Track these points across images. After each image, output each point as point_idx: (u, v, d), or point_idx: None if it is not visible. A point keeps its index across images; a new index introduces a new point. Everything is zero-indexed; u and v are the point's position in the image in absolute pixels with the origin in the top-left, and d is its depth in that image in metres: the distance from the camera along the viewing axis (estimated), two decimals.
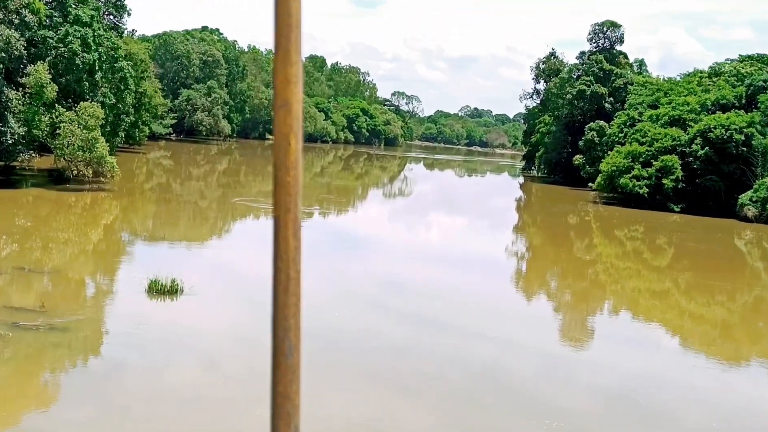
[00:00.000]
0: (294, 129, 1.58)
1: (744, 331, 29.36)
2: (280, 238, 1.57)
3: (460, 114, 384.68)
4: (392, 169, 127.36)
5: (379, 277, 32.39)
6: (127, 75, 64.41)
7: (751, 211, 67.96)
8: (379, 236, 46.80)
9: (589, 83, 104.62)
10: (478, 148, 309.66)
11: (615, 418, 17.87)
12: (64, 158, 52.05)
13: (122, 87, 63.84)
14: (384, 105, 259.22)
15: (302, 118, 1.62)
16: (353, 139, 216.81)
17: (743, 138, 72.19)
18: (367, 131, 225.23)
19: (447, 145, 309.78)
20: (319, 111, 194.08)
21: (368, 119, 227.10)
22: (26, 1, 52.12)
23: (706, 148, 73.54)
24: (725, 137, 72.38)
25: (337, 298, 27.37)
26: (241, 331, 22.10)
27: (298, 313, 1.57)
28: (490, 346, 22.55)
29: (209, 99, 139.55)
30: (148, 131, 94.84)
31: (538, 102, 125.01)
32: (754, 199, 68.74)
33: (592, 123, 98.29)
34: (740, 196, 70.03)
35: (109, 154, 53.70)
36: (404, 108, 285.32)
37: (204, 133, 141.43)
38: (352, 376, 19.05)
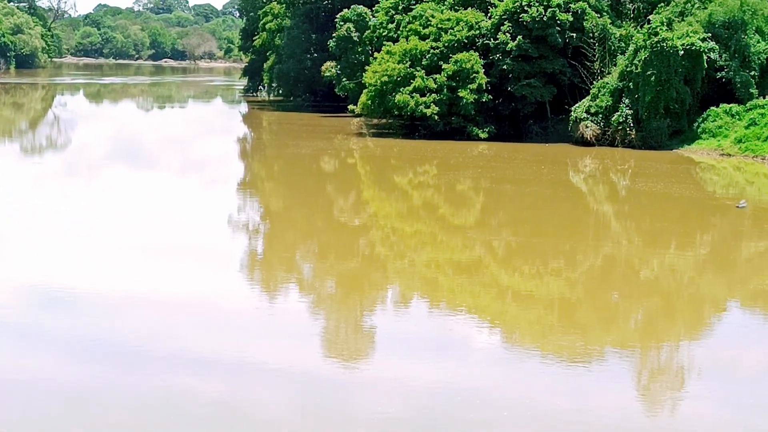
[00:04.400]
0: None
1: (592, 312, 21.54)
2: None
3: (137, 9, 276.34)
4: (32, 108, 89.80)
5: (26, 288, 20.88)
6: None
7: (590, 129, 50.97)
8: (23, 221, 29.50)
9: None
10: (172, 62, 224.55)
11: None
12: None
13: None
14: (9, 2, 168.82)
15: None
16: None
17: (571, 19, 53.64)
18: None
19: (121, 61, 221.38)
20: None
21: None
22: None
23: (519, 37, 52.90)
24: (545, 19, 53.27)
25: None
26: None
27: None
28: (219, 380, 15.67)
29: None
30: None
31: None
32: (592, 110, 51.47)
33: (346, 10, 66.72)
34: (573, 107, 52.51)
35: None
36: (43, 5, 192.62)
37: None
38: None
